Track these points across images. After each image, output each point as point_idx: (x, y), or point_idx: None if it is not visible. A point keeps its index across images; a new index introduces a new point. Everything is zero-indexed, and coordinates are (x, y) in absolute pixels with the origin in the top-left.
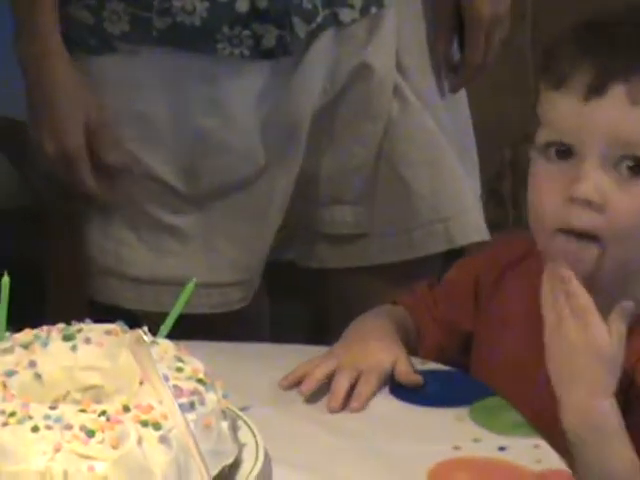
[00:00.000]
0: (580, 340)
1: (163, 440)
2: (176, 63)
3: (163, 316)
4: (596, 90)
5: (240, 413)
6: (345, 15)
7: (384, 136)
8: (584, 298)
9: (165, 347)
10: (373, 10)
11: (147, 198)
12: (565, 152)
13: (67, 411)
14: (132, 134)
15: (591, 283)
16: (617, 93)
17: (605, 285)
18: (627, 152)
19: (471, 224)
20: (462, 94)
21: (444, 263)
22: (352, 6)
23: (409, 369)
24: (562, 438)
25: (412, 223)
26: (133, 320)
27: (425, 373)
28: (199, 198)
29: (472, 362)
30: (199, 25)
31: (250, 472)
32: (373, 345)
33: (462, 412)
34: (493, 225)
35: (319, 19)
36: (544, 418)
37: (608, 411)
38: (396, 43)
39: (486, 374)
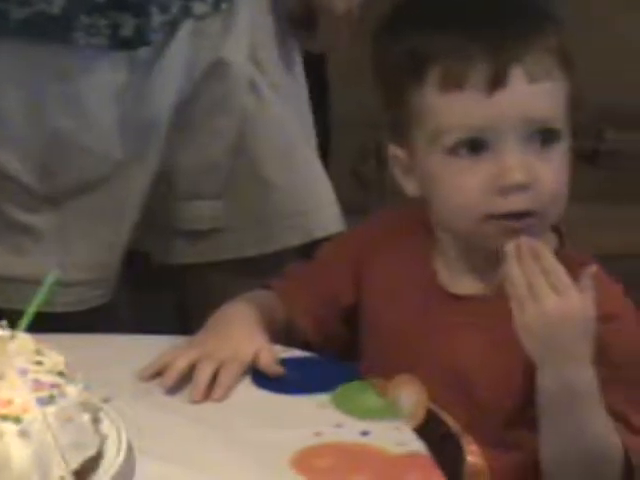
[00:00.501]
0: (564, 312)
1: (23, 434)
2: (32, 57)
3: (23, 312)
4: (498, 82)
5: (102, 405)
6: (198, 8)
7: (241, 131)
8: (562, 273)
9: (24, 341)
10: (224, 6)
11: (2, 196)
12: (479, 146)
13: None
14: None
15: None
16: (516, 77)
17: None
18: (537, 127)
19: (329, 216)
20: (303, 90)
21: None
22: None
23: (271, 359)
24: (456, 402)
25: (271, 217)
26: None
27: (287, 361)
28: (54, 197)
29: (360, 333)
30: (57, 13)
31: (113, 464)
32: (235, 334)
33: (324, 399)
34: (356, 208)
35: (174, 10)
36: (429, 385)
37: (592, 377)
38: (250, 38)
39: (375, 345)
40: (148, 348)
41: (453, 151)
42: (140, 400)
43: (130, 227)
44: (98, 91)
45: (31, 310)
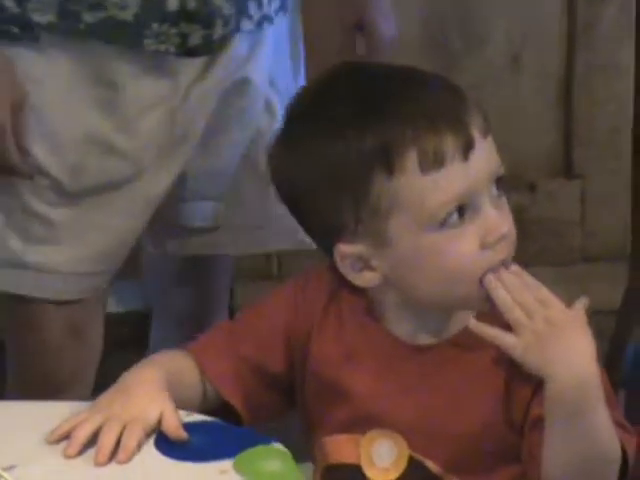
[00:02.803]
0: (562, 321)
1: None
2: (85, 58)
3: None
4: (470, 146)
5: (4, 472)
6: (245, 24)
7: (252, 144)
8: (542, 287)
9: None
10: (265, 26)
11: (26, 187)
12: (465, 210)
13: None
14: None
15: None
16: (477, 137)
17: None
18: (495, 178)
19: None
20: None
21: None
22: (251, 18)
23: (176, 422)
24: (435, 447)
25: (267, 221)
26: None
27: (190, 426)
28: (79, 193)
29: (305, 400)
30: (131, 21)
31: None
32: (139, 397)
33: (225, 465)
34: (260, 276)
35: (232, 24)
36: (405, 436)
37: (598, 372)
38: (270, 60)
39: (330, 409)
40: (53, 414)
41: (444, 223)
42: (45, 466)
43: (144, 225)
44: (142, 100)
45: None
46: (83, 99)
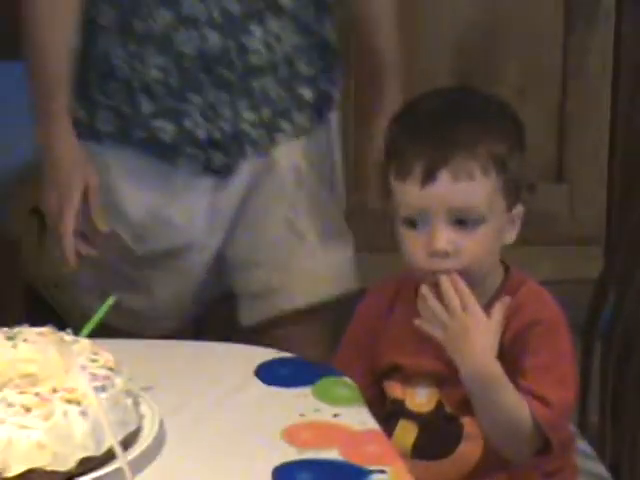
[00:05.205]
0: (473, 324)
1: (82, 414)
2: (143, 165)
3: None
4: (429, 179)
5: (141, 392)
6: (280, 137)
7: (290, 210)
8: (468, 295)
9: (84, 344)
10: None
11: (112, 253)
12: (413, 223)
13: (10, 393)
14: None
15: None
16: (443, 176)
17: None
18: (458, 216)
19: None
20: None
21: None
22: (284, 131)
23: None
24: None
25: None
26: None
27: (280, 361)
28: (149, 257)
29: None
30: (168, 142)
31: (148, 436)
32: None
33: (307, 390)
34: None
35: (262, 142)
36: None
37: (495, 366)
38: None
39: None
40: (186, 351)
41: (406, 222)
42: (172, 390)
43: (196, 286)
44: (189, 211)
45: (90, 324)
46: (147, 193)
